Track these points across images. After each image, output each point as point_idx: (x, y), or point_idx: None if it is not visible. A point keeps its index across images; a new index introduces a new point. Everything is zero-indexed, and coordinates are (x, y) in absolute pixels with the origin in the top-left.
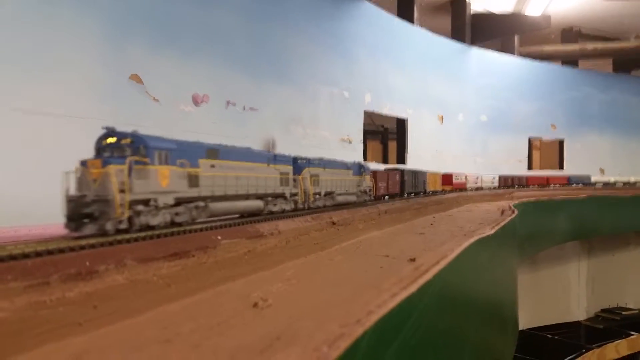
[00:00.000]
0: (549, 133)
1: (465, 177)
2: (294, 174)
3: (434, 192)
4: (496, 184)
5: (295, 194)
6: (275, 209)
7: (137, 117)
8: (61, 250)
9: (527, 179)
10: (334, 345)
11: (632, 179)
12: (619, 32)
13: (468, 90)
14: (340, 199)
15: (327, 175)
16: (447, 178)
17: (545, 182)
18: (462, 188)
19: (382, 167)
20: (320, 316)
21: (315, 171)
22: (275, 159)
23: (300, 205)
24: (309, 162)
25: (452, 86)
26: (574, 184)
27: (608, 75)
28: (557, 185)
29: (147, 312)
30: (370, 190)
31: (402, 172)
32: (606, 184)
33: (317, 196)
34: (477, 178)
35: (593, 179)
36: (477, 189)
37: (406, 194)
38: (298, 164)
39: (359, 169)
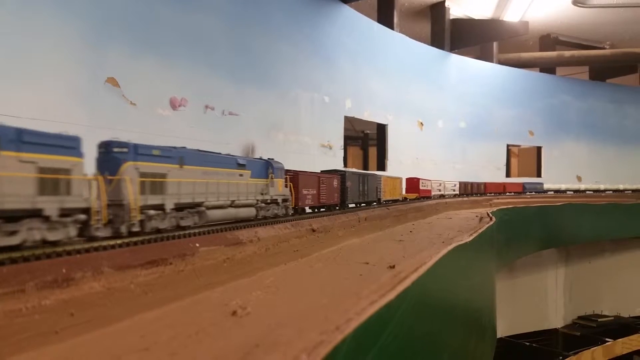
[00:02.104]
0: (526, 140)
1: (431, 183)
2: (103, 172)
3: (394, 202)
4: (457, 191)
5: (85, 210)
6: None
7: (113, 121)
8: (37, 257)
9: (485, 185)
10: (314, 353)
11: (582, 187)
12: (594, 40)
13: (447, 97)
14: (216, 214)
15: (190, 176)
16: (412, 184)
17: (502, 190)
18: (427, 196)
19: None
20: (299, 324)
21: (154, 168)
22: (22, 140)
23: (97, 232)
24: (138, 151)
25: (432, 92)
26: (528, 192)
27: (585, 83)
28: (512, 192)
29: (125, 320)
30: (286, 201)
31: (342, 175)
32: (557, 191)
33: (157, 211)
34: (440, 184)
35: (545, 187)
36: (440, 196)
37: (349, 205)
38: (112, 156)
39: (264, 169)
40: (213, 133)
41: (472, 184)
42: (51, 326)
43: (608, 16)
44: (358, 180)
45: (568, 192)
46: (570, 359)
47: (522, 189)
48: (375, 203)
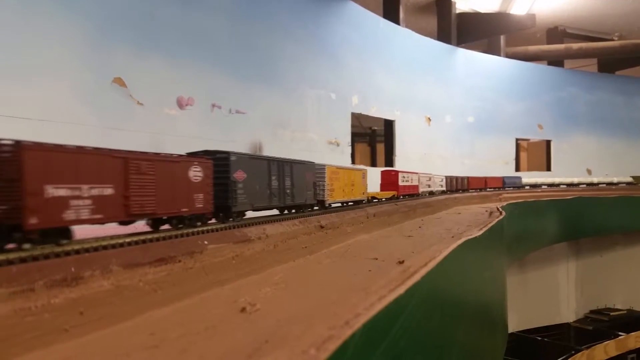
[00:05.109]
0: (535, 133)
1: (418, 178)
2: None
3: (358, 203)
4: (444, 187)
5: None
6: None
7: (121, 122)
8: (46, 256)
9: (469, 181)
10: (322, 348)
11: (557, 181)
12: (602, 32)
13: (455, 92)
14: None
15: None
16: (389, 179)
17: (483, 185)
18: (413, 193)
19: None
20: (308, 319)
21: None
22: None
23: None
24: None
25: (439, 87)
26: (507, 187)
27: (593, 75)
28: (492, 188)
29: (134, 318)
30: None
31: (223, 160)
32: (533, 186)
33: None
34: (429, 179)
35: (523, 182)
36: (429, 193)
37: (244, 214)
38: None
39: None
40: (220, 132)
41: (456, 178)
42: (61, 324)
43: (616, 7)
44: (267, 171)
45: (543, 187)
46: (583, 354)
47: (502, 184)
48: (317, 207)
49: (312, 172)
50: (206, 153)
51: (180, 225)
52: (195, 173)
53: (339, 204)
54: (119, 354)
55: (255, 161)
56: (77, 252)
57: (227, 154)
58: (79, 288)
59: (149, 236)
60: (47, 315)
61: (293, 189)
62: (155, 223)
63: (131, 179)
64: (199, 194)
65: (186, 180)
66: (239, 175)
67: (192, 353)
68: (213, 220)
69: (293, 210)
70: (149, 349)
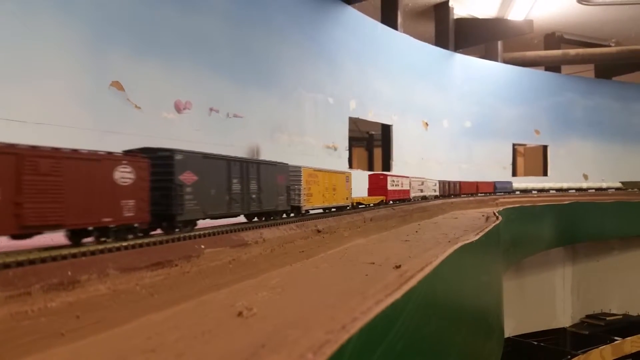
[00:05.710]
0: (532, 139)
1: (410, 182)
2: None
3: (341, 209)
4: (437, 192)
5: None
6: None
7: (118, 125)
8: (43, 260)
9: (460, 185)
10: (319, 352)
11: (547, 186)
12: (599, 38)
13: (452, 97)
14: None
15: None
16: (377, 183)
17: (474, 190)
18: (404, 199)
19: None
20: (305, 323)
21: None
22: None
23: None
24: None
25: (437, 92)
26: (498, 192)
27: (590, 81)
28: (483, 193)
29: (131, 322)
30: None
31: (166, 159)
32: (524, 191)
33: None
34: (421, 184)
35: (514, 187)
36: (422, 198)
37: (196, 224)
38: None
39: None
40: (218, 135)
41: (449, 183)
42: (57, 328)
43: (613, 13)
44: (226, 173)
45: (533, 192)
46: (579, 358)
47: (494, 189)
48: (292, 214)
49: (285, 174)
50: (145, 151)
51: (103, 239)
52: (124, 174)
53: (321, 210)
54: (116, 357)
55: (210, 161)
56: (74, 255)
57: (171, 151)
58: (75, 292)
59: (146, 240)
60: (44, 319)
61: (260, 194)
62: (75, 235)
63: (25, 181)
64: (129, 200)
65: (110, 183)
66: (186, 177)
67: (189, 357)
68: (159, 231)
69: (263, 218)
70: (146, 353)
